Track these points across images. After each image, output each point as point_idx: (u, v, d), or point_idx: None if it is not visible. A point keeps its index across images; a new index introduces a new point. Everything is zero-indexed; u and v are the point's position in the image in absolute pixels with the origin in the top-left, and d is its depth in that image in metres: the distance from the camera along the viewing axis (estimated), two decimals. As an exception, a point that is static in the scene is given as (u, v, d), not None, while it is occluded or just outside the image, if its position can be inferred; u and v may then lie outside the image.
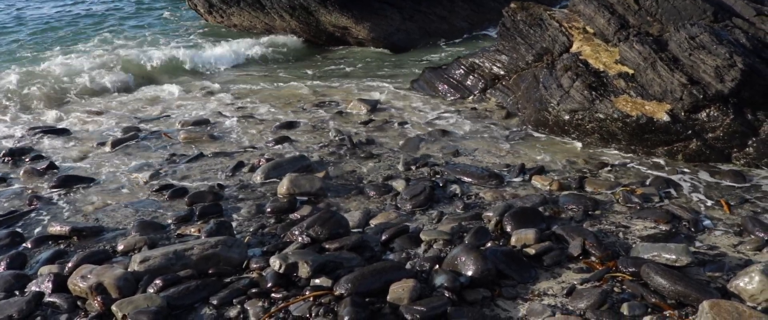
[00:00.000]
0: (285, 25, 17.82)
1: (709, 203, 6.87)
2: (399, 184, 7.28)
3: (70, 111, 11.15)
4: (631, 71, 8.66)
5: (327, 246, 5.58)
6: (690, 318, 4.55)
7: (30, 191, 7.54)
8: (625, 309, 4.68)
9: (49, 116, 10.77)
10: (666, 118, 8.02)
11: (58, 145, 9.29)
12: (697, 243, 5.85)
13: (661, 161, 8.20)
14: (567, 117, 8.86)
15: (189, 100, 11.77)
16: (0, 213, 6.88)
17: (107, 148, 9.03)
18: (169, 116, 10.67)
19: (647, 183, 7.40)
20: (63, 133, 9.83)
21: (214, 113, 10.70)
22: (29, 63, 14.26)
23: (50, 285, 5.09)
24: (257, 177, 7.65)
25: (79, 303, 4.92)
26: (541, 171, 7.76)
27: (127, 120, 10.51)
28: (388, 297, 4.73)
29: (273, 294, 4.88)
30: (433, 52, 15.90)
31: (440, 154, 8.54)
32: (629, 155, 8.42)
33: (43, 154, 8.78)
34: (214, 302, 4.83)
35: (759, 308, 4.57)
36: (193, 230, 6.27)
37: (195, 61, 14.46)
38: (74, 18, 19.86)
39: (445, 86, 11.46)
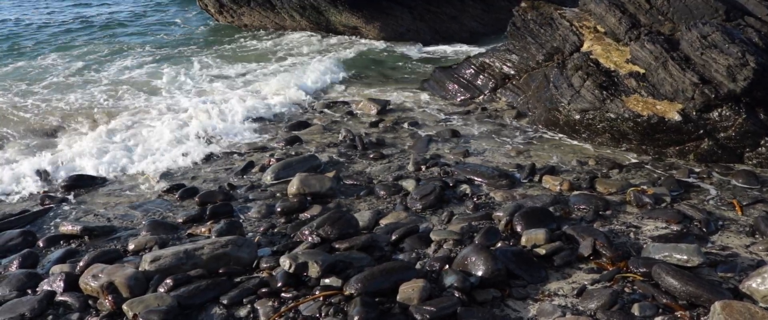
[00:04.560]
0: (295, 25, 17.88)
1: (721, 203, 6.83)
2: (409, 184, 7.28)
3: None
4: (642, 70, 8.62)
5: (337, 245, 5.58)
6: (702, 318, 4.52)
7: (42, 191, 7.58)
8: (636, 309, 4.65)
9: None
10: (677, 117, 7.98)
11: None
12: (709, 244, 5.81)
13: (673, 161, 8.16)
14: (578, 116, 8.82)
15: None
16: (12, 213, 6.93)
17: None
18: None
19: (658, 183, 7.35)
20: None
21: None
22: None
23: (62, 284, 5.12)
24: (267, 177, 7.67)
25: (90, 301, 4.94)
26: (551, 171, 7.73)
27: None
28: (397, 297, 4.72)
29: (283, 294, 4.88)
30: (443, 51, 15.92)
31: (450, 153, 8.53)
32: (640, 155, 8.38)
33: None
34: (225, 301, 4.85)
35: (772, 309, 4.54)
36: (203, 230, 6.29)
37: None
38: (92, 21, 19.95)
39: (456, 86, 11.45)
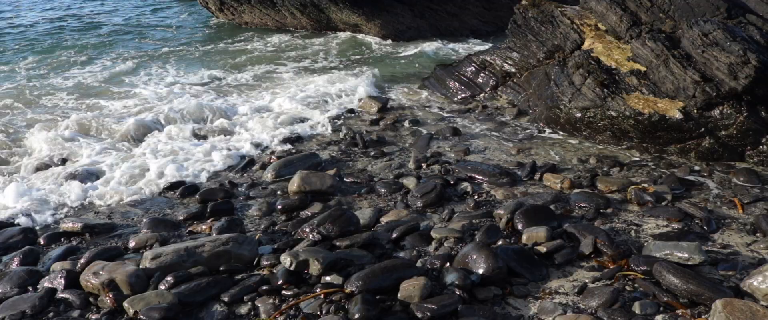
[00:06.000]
0: (296, 22, 17.87)
1: (722, 201, 6.82)
2: (410, 182, 7.28)
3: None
4: (643, 68, 8.61)
5: (338, 243, 5.58)
6: (703, 317, 4.52)
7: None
8: (636, 307, 4.66)
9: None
10: (678, 115, 7.97)
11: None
12: (710, 242, 5.81)
13: (674, 159, 8.15)
14: (578, 114, 8.82)
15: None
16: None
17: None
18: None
19: (659, 181, 7.35)
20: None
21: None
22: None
23: (62, 282, 5.12)
24: (268, 175, 7.66)
25: (91, 299, 4.95)
26: (552, 169, 7.73)
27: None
28: (398, 295, 4.73)
29: (284, 292, 4.89)
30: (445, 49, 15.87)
31: (451, 151, 8.53)
32: (641, 153, 8.38)
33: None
34: (226, 299, 4.85)
35: (773, 307, 4.53)
36: (204, 227, 6.29)
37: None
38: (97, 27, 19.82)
39: (456, 84, 11.44)
